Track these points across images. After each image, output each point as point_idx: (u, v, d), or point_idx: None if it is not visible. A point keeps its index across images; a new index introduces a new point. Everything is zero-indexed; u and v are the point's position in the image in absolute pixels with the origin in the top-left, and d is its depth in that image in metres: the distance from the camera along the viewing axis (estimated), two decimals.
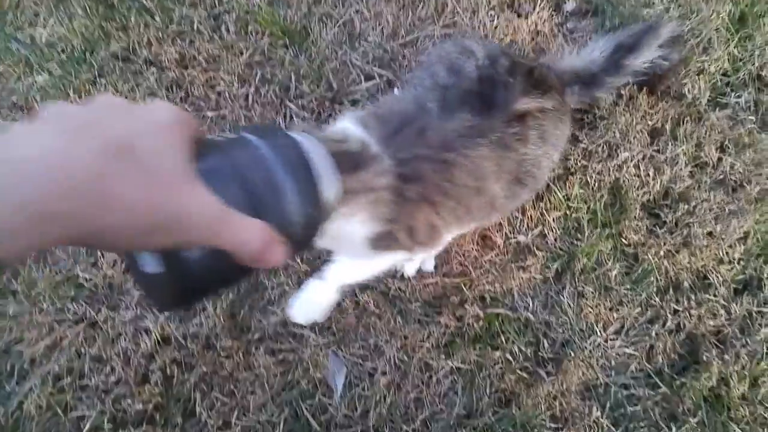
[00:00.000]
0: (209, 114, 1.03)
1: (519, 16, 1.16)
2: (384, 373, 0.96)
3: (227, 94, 1.05)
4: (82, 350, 0.93)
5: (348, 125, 0.68)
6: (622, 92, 1.09)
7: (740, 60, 1.16)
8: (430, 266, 1.02)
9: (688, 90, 1.10)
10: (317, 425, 0.93)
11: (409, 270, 1.01)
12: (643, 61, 0.99)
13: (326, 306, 0.90)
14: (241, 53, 1.05)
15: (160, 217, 0.34)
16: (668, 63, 1.03)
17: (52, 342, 0.93)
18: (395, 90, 0.88)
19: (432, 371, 0.98)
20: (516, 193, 0.83)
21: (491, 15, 1.14)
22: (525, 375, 0.98)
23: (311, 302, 0.88)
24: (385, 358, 0.97)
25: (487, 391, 0.98)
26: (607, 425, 0.98)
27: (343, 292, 0.90)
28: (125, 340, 0.93)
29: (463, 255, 1.03)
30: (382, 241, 0.74)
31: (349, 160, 0.59)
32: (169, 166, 0.36)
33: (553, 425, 0.97)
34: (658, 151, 1.09)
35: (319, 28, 1.09)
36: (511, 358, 0.99)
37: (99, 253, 0.97)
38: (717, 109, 1.12)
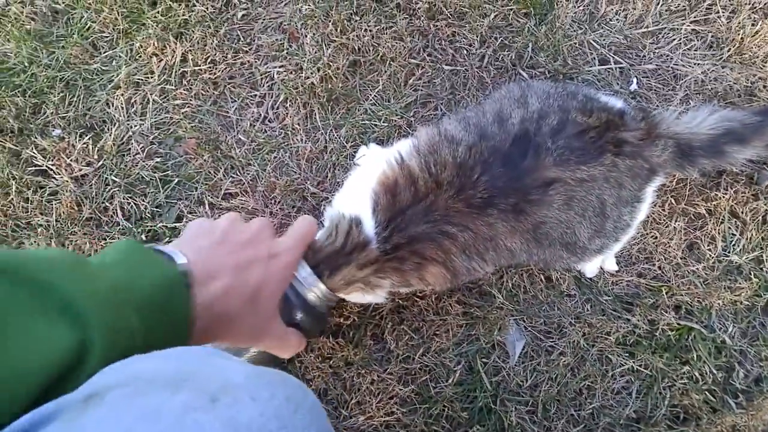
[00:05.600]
0: (445, 68, 1.06)
1: None
2: (562, 354, 0.96)
3: (464, 52, 1.07)
4: None
5: (362, 209, 0.75)
6: None
7: None
8: (612, 266, 0.99)
9: None
10: (488, 384, 0.95)
11: (589, 272, 0.99)
12: (745, 158, 0.86)
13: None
14: (486, 15, 1.07)
15: (256, 333, 0.66)
16: None
17: None
18: (446, 117, 0.86)
19: (611, 366, 0.96)
20: (546, 246, 0.78)
21: (753, 19, 1.06)
22: (711, 398, 0.94)
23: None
24: (566, 340, 0.97)
25: (665, 402, 0.94)
26: None
27: None
28: None
29: (666, 258, 0.99)
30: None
31: (333, 261, 0.73)
32: (270, 308, 0.68)
33: None
34: None
35: (564, 2, 1.08)
36: (699, 377, 0.94)
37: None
38: None
